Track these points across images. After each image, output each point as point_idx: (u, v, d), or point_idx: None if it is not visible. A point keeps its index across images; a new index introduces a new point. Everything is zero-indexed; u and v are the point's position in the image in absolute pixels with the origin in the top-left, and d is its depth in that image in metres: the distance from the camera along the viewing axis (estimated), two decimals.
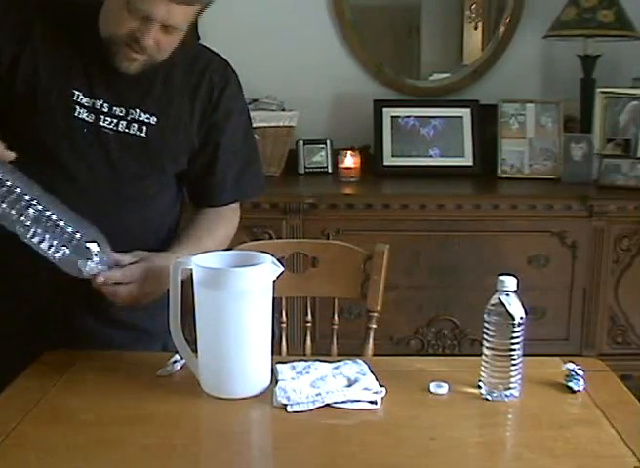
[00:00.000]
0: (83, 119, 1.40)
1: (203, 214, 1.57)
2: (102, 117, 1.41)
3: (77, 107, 1.40)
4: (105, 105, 1.41)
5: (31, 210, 1.27)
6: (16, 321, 1.49)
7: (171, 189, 1.55)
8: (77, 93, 1.40)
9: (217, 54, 1.56)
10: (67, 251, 1.30)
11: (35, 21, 1.40)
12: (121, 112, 1.42)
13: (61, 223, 1.29)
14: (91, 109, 1.41)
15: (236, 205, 1.63)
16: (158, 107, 1.44)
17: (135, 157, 1.44)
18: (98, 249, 1.32)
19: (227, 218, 1.60)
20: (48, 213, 1.28)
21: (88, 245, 1.31)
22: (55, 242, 1.29)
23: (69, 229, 1.30)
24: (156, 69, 1.43)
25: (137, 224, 1.48)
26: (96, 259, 1.32)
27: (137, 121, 1.43)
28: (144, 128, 1.43)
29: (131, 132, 1.43)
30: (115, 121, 1.42)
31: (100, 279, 1.33)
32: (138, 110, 1.43)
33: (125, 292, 1.36)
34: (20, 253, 1.31)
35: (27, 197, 1.27)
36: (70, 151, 1.41)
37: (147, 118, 1.43)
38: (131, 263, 1.37)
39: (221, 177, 1.55)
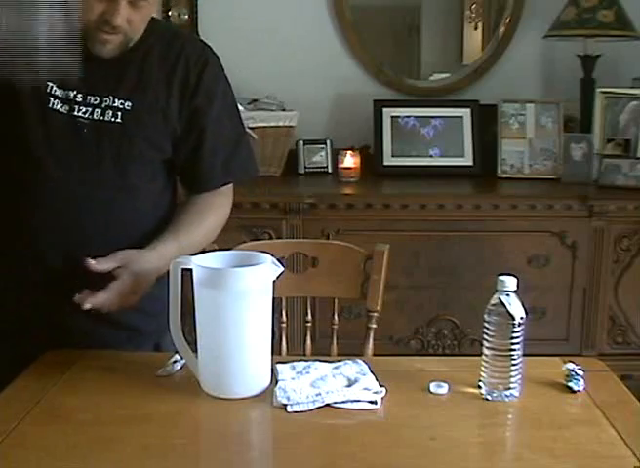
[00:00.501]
0: (57, 110, 1.40)
1: (193, 201, 1.55)
2: (77, 107, 1.40)
3: (51, 99, 1.39)
4: (79, 95, 1.40)
5: None
6: (6, 321, 1.49)
7: (159, 179, 1.52)
8: (51, 84, 1.39)
9: (196, 38, 1.55)
10: None
11: None
12: (95, 101, 1.41)
13: None
14: (65, 100, 1.40)
15: (228, 189, 1.60)
16: (132, 93, 1.43)
17: (112, 145, 1.43)
18: None
19: (218, 205, 1.57)
20: None
21: None
22: None
23: None
24: (130, 56, 1.42)
25: (126, 215, 1.46)
26: None
27: (111, 108, 1.42)
28: (119, 114, 1.42)
29: (106, 119, 1.42)
30: (90, 110, 1.41)
31: (87, 306, 1.33)
32: (112, 97, 1.42)
33: (112, 307, 1.37)
34: (9, 253, 1.31)
35: None
36: (46, 145, 1.40)
37: (122, 104, 1.42)
38: (112, 270, 1.36)
39: (209, 162, 1.53)
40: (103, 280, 1.36)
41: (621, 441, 1.12)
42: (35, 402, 1.23)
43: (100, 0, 1.31)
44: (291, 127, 2.89)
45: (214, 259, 1.29)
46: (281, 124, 2.87)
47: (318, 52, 3.06)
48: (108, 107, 1.42)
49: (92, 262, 1.35)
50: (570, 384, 1.29)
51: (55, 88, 1.40)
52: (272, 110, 2.89)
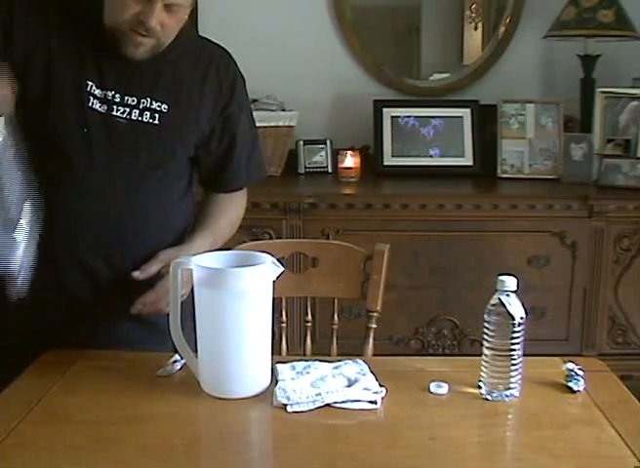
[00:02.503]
0: (96, 110, 1.42)
1: (215, 197, 1.63)
2: (115, 107, 1.43)
3: (91, 98, 1.41)
4: (117, 96, 1.43)
5: None
6: (33, 314, 1.48)
7: (185, 176, 1.57)
8: (90, 84, 1.42)
9: (217, 44, 1.58)
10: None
11: (50, 14, 1.41)
12: (133, 101, 1.44)
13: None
14: (103, 100, 1.42)
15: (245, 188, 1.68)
16: (168, 96, 1.47)
17: (148, 145, 1.46)
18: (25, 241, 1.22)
19: (237, 201, 1.66)
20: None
21: (15, 235, 1.21)
22: None
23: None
24: (164, 59, 1.45)
25: (159, 212, 1.50)
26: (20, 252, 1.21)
27: (149, 109, 1.45)
28: (157, 115, 1.45)
29: (144, 120, 1.45)
30: (128, 110, 1.44)
31: (138, 307, 1.40)
32: (149, 99, 1.45)
33: (161, 306, 1.41)
34: (44, 252, 1.32)
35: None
36: (81, 144, 1.41)
37: (159, 106, 1.46)
38: (158, 271, 1.42)
39: (237, 166, 1.60)
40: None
41: (621, 441, 1.12)
42: (35, 401, 1.23)
43: (137, 1, 1.33)
44: (291, 127, 2.89)
45: (214, 259, 1.29)
46: (281, 124, 2.87)
47: (318, 52, 3.06)
48: (146, 109, 1.45)
49: (136, 274, 1.40)
50: (570, 384, 1.29)
51: (94, 87, 1.42)
52: (272, 110, 2.89)
